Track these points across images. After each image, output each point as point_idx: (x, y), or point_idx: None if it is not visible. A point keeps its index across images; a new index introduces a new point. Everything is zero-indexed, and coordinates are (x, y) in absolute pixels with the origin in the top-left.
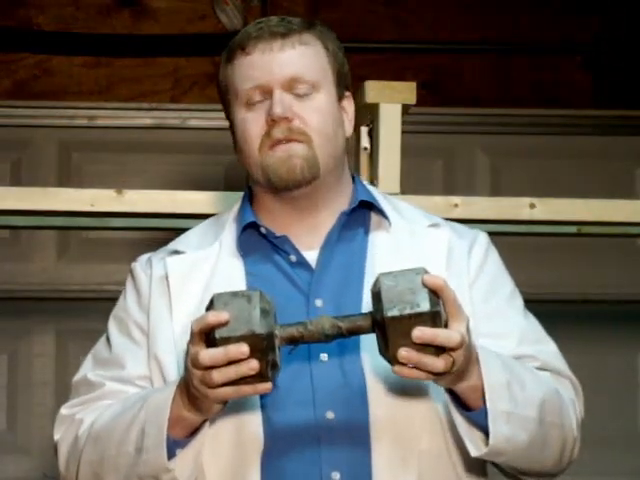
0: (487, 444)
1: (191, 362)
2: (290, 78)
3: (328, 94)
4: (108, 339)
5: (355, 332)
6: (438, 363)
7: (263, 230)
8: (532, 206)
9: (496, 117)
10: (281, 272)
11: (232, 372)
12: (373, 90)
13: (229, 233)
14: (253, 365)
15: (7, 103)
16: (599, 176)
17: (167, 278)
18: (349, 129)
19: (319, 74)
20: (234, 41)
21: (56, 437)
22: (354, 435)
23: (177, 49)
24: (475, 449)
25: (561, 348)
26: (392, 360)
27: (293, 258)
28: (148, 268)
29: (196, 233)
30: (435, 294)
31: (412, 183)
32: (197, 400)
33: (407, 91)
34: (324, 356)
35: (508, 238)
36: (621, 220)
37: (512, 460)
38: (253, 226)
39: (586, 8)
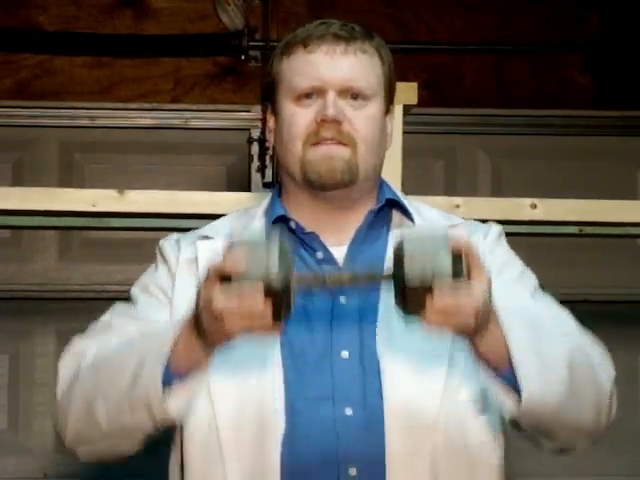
0: (520, 402)
1: (204, 304)
2: (347, 84)
3: (378, 106)
4: (130, 300)
5: (373, 283)
6: (467, 318)
7: (292, 225)
8: (533, 206)
9: (497, 118)
10: (307, 267)
11: (245, 321)
12: None
13: (258, 225)
14: (267, 311)
15: (8, 103)
16: (600, 177)
17: (197, 261)
18: (389, 142)
19: (374, 85)
20: (295, 36)
21: (59, 364)
22: (370, 430)
23: (178, 49)
24: (508, 409)
25: None
26: (409, 320)
27: (320, 255)
28: (176, 250)
29: (225, 222)
30: (459, 254)
31: (413, 183)
32: (206, 334)
33: (409, 91)
34: (345, 354)
35: (509, 238)
36: (622, 221)
37: (547, 419)
38: (282, 220)
39: (586, 8)
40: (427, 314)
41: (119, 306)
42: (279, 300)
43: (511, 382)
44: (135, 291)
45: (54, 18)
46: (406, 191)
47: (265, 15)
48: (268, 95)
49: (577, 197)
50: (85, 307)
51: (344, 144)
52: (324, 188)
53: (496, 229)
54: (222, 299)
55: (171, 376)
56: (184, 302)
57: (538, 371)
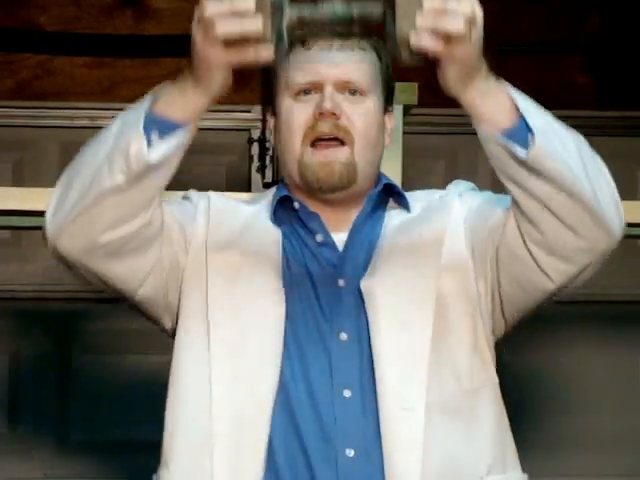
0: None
1: (196, 17)
2: (344, 78)
3: (376, 102)
4: None
5: (365, 19)
6: (458, 24)
7: (296, 205)
8: None
9: None
10: (308, 249)
11: (236, 24)
12: None
13: (266, 204)
14: (257, 22)
15: (9, 103)
16: None
17: (209, 209)
18: (388, 141)
19: (371, 81)
20: (292, 35)
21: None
22: (366, 411)
23: (179, 50)
24: (519, 153)
25: (563, 349)
26: (401, 45)
27: (319, 238)
28: (204, 200)
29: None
30: None
31: (414, 184)
32: (198, 68)
33: (408, 92)
34: (344, 336)
35: None
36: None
37: (562, 175)
38: (287, 201)
39: (586, 8)
40: (418, 23)
41: None
42: (270, 18)
43: (518, 139)
44: None
45: (55, 18)
46: (407, 191)
47: None
48: (269, 96)
49: None
50: (85, 308)
51: (341, 142)
52: (323, 191)
53: (468, 184)
54: (214, 5)
55: (157, 124)
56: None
57: (547, 124)
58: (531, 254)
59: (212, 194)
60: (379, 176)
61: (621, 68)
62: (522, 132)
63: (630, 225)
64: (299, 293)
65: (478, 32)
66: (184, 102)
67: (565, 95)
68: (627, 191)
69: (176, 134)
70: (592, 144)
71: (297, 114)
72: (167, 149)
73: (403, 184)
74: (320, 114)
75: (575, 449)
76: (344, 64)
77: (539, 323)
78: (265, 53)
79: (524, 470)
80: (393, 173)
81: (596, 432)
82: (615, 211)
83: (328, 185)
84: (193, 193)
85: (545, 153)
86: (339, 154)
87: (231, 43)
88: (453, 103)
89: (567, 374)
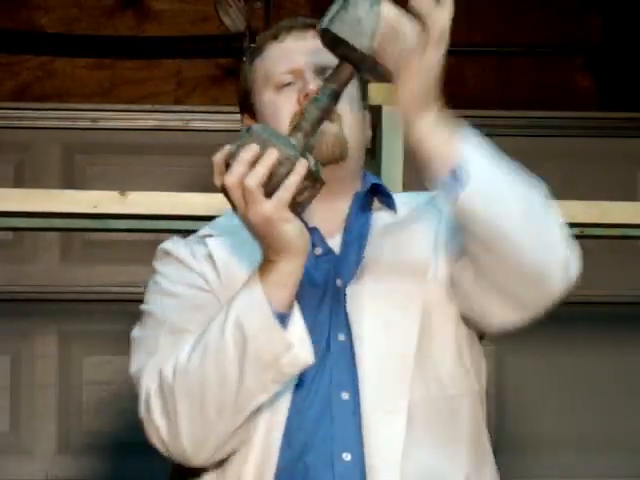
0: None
1: (228, 189)
2: (323, 64)
3: (355, 88)
4: (148, 326)
5: (345, 83)
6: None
7: None
8: None
9: (497, 119)
10: (309, 260)
11: (258, 167)
12: (376, 92)
13: None
14: (273, 153)
15: (10, 105)
16: (601, 178)
17: (212, 257)
18: (369, 132)
19: None
20: (265, 34)
21: (140, 384)
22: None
23: (180, 51)
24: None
25: (562, 350)
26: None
27: (318, 251)
28: (187, 247)
29: (225, 220)
30: None
31: (414, 185)
32: (266, 236)
33: None
34: (341, 336)
35: None
36: (624, 222)
37: (486, 230)
38: None
39: (588, 9)
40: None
41: (141, 343)
42: (279, 145)
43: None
44: (151, 311)
45: (56, 20)
46: (406, 192)
47: (267, 17)
48: (245, 102)
49: (579, 198)
50: (86, 308)
51: (330, 118)
52: None
53: None
54: (229, 175)
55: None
56: (226, 292)
57: (490, 173)
58: (480, 289)
59: (210, 241)
60: (365, 175)
61: (622, 69)
62: (461, 179)
63: (630, 226)
64: (302, 295)
65: (445, 41)
66: (285, 283)
67: (566, 96)
68: (627, 192)
69: (295, 318)
70: (593, 145)
71: (282, 104)
72: (304, 335)
73: (404, 185)
74: (305, 96)
75: (574, 450)
76: (320, 51)
77: (539, 323)
78: (301, 168)
79: (523, 470)
80: (393, 174)
81: (593, 433)
82: (561, 270)
83: (321, 157)
84: (170, 246)
85: (474, 202)
86: (329, 126)
87: (270, 192)
88: (454, 104)
89: (566, 375)
